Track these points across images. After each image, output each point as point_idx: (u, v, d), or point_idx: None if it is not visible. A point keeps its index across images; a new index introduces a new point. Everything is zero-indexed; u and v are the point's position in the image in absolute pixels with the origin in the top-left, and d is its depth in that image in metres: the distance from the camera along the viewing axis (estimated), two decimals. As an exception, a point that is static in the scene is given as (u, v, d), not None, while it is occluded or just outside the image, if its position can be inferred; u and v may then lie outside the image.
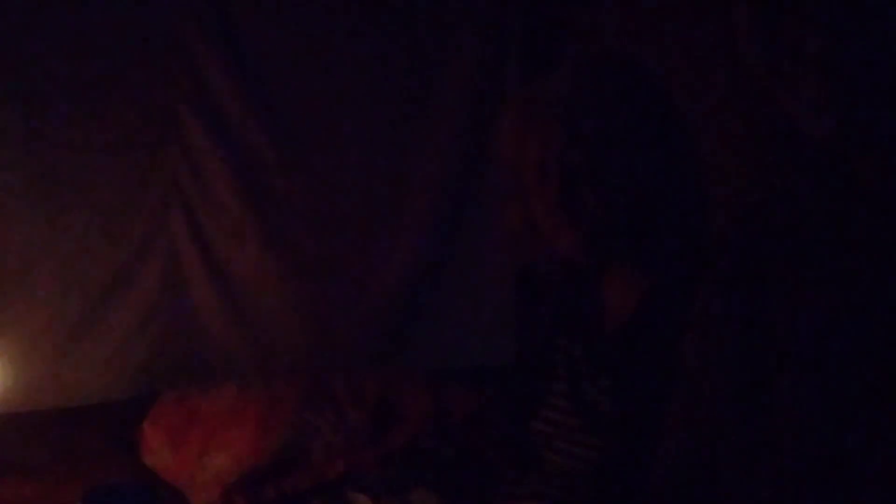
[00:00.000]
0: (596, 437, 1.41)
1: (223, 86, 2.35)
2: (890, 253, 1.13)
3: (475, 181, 2.50)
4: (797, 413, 1.18)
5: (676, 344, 1.31)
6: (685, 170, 1.42)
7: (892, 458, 1.13)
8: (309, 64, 2.41)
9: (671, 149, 1.40)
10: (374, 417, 2.10)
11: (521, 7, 2.47)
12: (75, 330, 2.29)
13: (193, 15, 2.30)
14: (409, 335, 2.51)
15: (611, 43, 2.13)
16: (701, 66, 1.73)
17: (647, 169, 1.38)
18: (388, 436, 2.07)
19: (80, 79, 2.24)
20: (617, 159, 1.37)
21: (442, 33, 2.45)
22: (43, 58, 2.21)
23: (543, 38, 2.43)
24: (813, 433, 1.17)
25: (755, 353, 1.23)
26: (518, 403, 1.58)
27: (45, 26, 2.20)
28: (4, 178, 2.22)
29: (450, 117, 2.48)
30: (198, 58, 2.32)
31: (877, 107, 1.10)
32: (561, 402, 1.47)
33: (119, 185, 2.31)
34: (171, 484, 2.05)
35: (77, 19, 2.22)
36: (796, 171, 1.29)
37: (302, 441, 2.04)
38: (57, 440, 2.19)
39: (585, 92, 1.38)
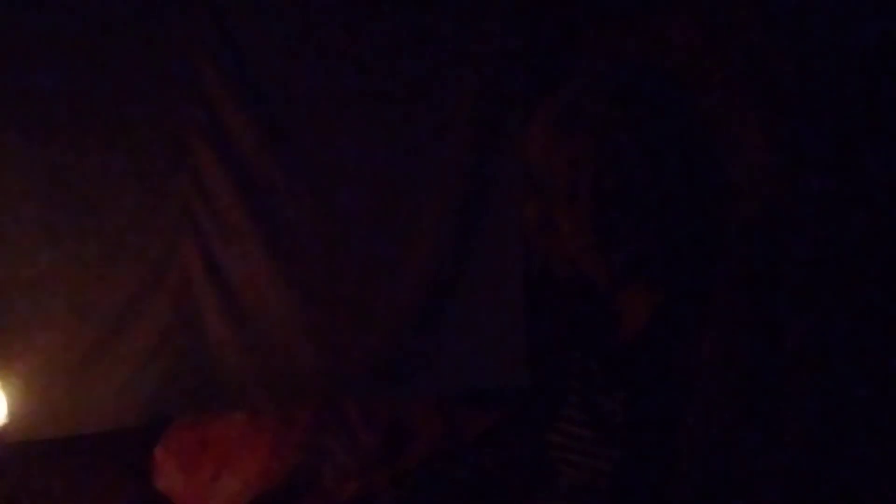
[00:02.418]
0: (611, 449, 1.40)
1: (234, 114, 2.37)
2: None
3: (484, 205, 2.50)
4: (807, 418, 1.17)
5: (690, 354, 1.31)
6: (711, 186, 1.40)
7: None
8: (318, 93, 2.43)
9: (701, 166, 1.39)
10: (385, 439, 2.10)
11: (528, 10, 2.47)
12: (87, 358, 2.30)
13: (204, 45, 2.34)
14: (419, 359, 2.50)
15: (623, 49, 2.13)
16: (708, 69, 1.73)
17: (677, 190, 1.36)
18: (400, 458, 2.06)
19: (94, 108, 2.27)
20: (650, 183, 1.35)
21: (450, 39, 2.46)
22: (57, 88, 2.24)
23: (551, 46, 2.43)
24: (824, 438, 1.17)
25: (766, 359, 1.22)
26: (533, 418, 1.57)
27: (60, 56, 2.23)
28: (18, 206, 2.24)
29: (462, 126, 2.49)
30: (209, 87, 2.35)
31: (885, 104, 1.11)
32: (576, 415, 1.46)
33: (131, 213, 2.33)
34: (184, 509, 2.05)
35: (91, 50, 2.25)
36: (805, 174, 1.30)
37: (314, 464, 2.04)
38: (69, 467, 2.19)
39: (620, 110, 1.34)
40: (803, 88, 1.35)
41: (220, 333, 2.40)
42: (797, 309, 1.24)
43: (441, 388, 2.42)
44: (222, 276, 2.39)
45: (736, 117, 1.65)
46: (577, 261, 1.42)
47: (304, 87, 2.43)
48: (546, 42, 2.44)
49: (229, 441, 2.12)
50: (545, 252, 1.46)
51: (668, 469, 1.31)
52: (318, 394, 2.36)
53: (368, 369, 2.46)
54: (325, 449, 2.06)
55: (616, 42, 2.17)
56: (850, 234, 1.22)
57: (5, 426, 2.04)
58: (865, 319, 1.19)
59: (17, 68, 2.20)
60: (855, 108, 1.28)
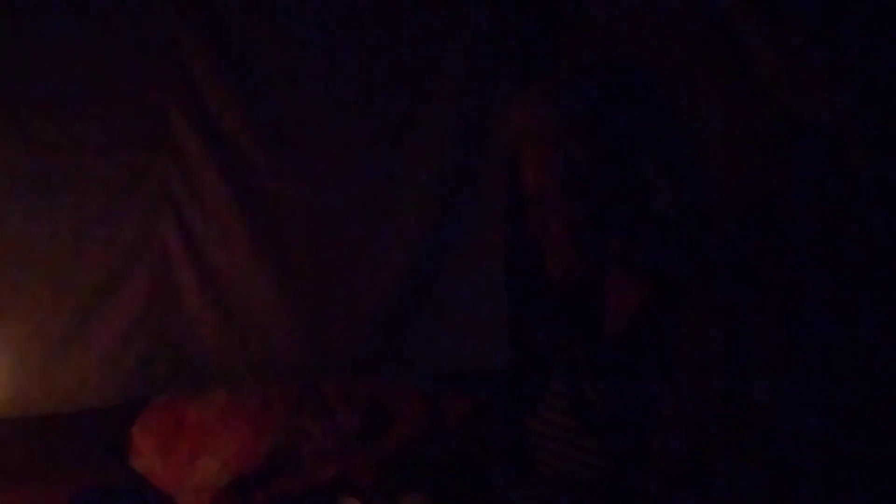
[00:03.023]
0: (592, 439, 1.41)
1: (214, 90, 2.34)
2: (888, 253, 1.13)
3: (469, 187, 2.50)
4: (786, 415, 1.18)
5: (671, 348, 1.31)
6: (690, 182, 1.40)
7: (875, 456, 1.14)
8: (301, 69, 2.41)
9: (675, 163, 1.39)
10: (365, 422, 2.10)
11: (517, 10, 2.46)
12: (65, 336, 2.27)
13: (185, 19, 2.30)
14: (401, 341, 2.50)
15: (608, 44, 2.13)
16: (703, 66, 1.73)
17: (653, 189, 1.37)
18: (380, 440, 2.07)
19: (71, 82, 2.23)
20: (620, 183, 1.36)
21: (436, 35, 2.45)
22: (34, 61, 2.20)
23: (539, 42, 2.42)
24: (803, 433, 1.18)
25: (741, 353, 1.23)
26: (515, 403, 1.58)
27: (38, 30, 2.19)
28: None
29: (444, 118, 2.47)
30: (189, 61, 2.31)
31: (881, 107, 1.11)
32: (559, 403, 1.47)
33: (109, 189, 2.29)
34: (161, 489, 2.04)
35: (69, 23, 2.21)
36: (797, 171, 1.30)
37: (293, 446, 2.04)
38: (46, 446, 2.19)
39: (587, 112, 1.36)
40: (792, 82, 1.34)
41: (199, 313, 2.37)
42: (777, 306, 1.24)
43: (422, 369, 2.43)
44: (201, 256, 2.37)
45: (720, 111, 1.65)
46: (544, 252, 1.43)
47: (289, 67, 2.39)
48: (534, 29, 2.44)
49: (207, 422, 2.11)
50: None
51: (644, 461, 1.32)
52: (297, 375, 2.36)
53: (349, 351, 2.45)
54: (305, 431, 2.06)
55: (605, 29, 2.16)
56: (835, 231, 1.22)
57: (-21, 404, 2.03)
58: (848, 316, 1.19)
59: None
60: (840, 101, 1.28)
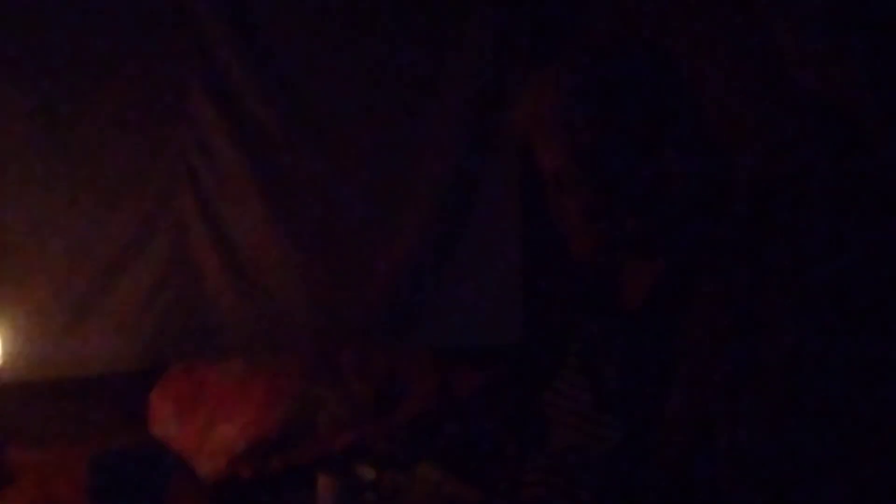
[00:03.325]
0: (606, 413, 1.43)
1: (231, 60, 2.35)
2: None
3: (485, 160, 2.50)
4: (795, 390, 1.20)
5: (681, 329, 1.34)
6: (703, 162, 1.41)
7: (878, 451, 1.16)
8: (318, 40, 2.41)
9: (688, 144, 1.39)
10: (380, 391, 2.12)
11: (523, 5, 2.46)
12: (84, 302, 2.31)
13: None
14: (416, 313, 2.52)
15: (616, 24, 2.13)
16: (718, 47, 1.73)
17: (661, 174, 1.38)
18: (393, 410, 2.09)
19: (89, 53, 2.25)
20: (634, 168, 1.37)
21: (450, 21, 2.44)
22: (52, 33, 2.21)
23: (550, 34, 2.42)
24: (806, 425, 1.20)
25: (753, 330, 1.25)
26: (530, 376, 1.60)
27: (56, 5, 2.21)
28: (13, 151, 2.23)
29: (460, 90, 2.47)
30: (206, 32, 2.33)
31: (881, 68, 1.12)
32: (574, 377, 1.49)
33: (127, 159, 2.32)
34: (178, 453, 2.07)
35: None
36: (813, 149, 1.31)
37: (308, 413, 2.06)
38: (65, 409, 2.22)
39: (586, 105, 1.37)
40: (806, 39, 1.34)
41: (217, 281, 2.40)
42: (790, 284, 1.26)
43: (435, 343, 2.44)
44: (219, 224, 2.39)
45: (736, 92, 1.66)
46: (567, 234, 1.45)
47: (304, 33, 2.40)
48: (545, 37, 2.44)
49: (225, 388, 2.13)
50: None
51: (656, 435, 1.34)
52: (312, 343, 2.39)
53: (364, 320, 2.48)
54: (320, 399, 2.08)
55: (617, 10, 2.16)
56: (853, 209, 1.24)
57: (1, 367, 2.06)
58: (853, 315, 1.21)
59: (15, 17, 2.17)
60: (856, 78, 1.29)
